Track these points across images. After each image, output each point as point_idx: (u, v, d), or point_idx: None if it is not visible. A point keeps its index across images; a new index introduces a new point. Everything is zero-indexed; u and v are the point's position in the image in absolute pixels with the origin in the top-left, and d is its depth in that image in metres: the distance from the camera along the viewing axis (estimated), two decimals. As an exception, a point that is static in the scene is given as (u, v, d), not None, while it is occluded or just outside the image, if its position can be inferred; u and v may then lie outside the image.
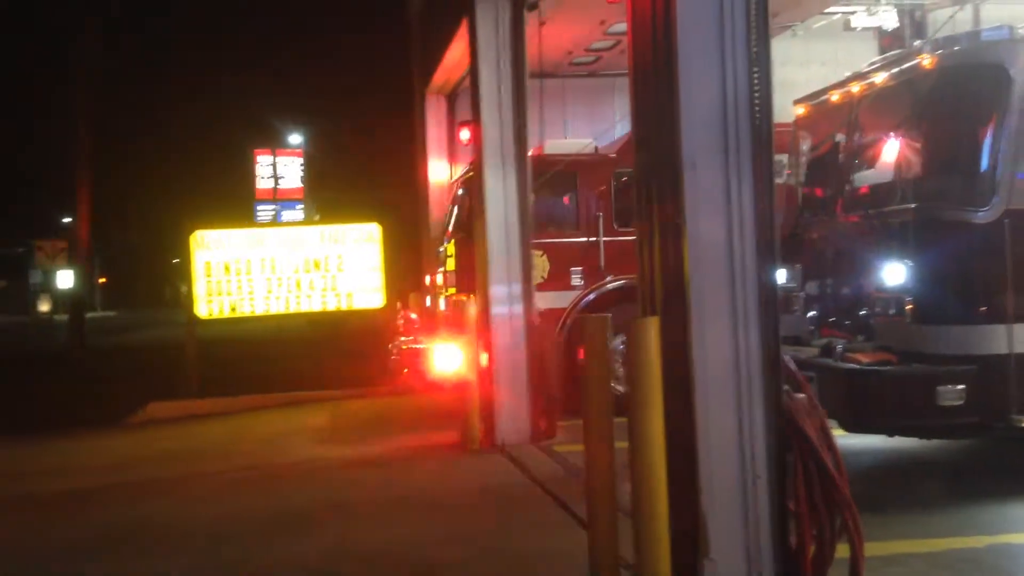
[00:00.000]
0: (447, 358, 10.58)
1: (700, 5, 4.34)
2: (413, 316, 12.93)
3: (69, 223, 32.52)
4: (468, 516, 6.40)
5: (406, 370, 12.43)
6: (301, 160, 40.43)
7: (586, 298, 10.04)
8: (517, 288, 8.60)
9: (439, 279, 12.22)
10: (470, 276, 10.46)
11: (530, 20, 8.86)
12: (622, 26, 9.10)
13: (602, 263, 10.22)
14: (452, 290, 11.25)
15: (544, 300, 9.50)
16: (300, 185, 39.68)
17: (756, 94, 4.34)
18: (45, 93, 30.40)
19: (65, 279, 39.94)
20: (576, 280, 10.22)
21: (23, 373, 19.04)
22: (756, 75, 4.34)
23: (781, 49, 7.82)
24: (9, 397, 14.80)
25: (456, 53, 11.05)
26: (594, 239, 10.22)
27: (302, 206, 38.76)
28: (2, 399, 14.66)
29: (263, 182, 39.71)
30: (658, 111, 4.55)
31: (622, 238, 9.95)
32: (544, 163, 10.39)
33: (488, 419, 8.45)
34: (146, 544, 6.16)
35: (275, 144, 39.89)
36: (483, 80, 8.66)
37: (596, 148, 10.89)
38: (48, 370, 19.21)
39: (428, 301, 13.27)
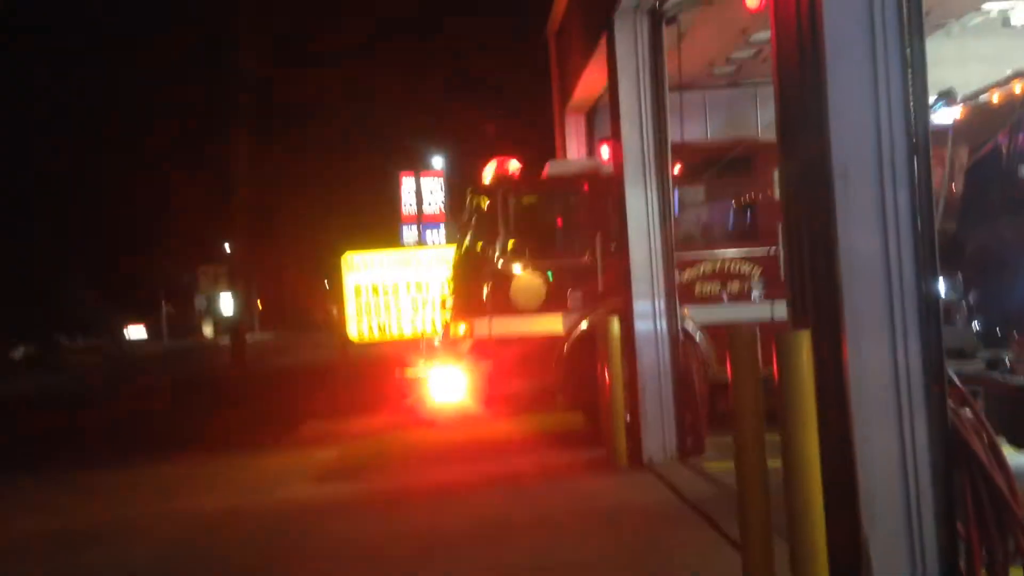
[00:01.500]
0: (444, 385, 10.30)
1: (849, 5, 4.21)
2: (436, 343, 12.31)
3: (229, 250, 34.25)
4: (619, 535, 6.35)
5: (408, 399, 11.95)
6: (442, 181, 41.26)
7: (585, 322, 9.69)
8: (661, 304, 8.50)
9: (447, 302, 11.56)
10: (468, 301, 10.13)
11: (668, 33, 8.79)
12: (765, 34, 8.92)
13: (600, 286, 9.81)
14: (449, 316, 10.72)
15: (538, 324, 9.43)
16: (442, 205, 40.49)
17: (911, 97, 4.17)
18: (204, 123, 32.26)
19: (226, 304, 41.97)
20: (574, 304, 9.85)
21: (191, 395, 20.13)
22: (911, 77, 4.17)
23: (934, 49, 7.47)
24: (179, 418, 15.69)
25: (594, 70, 11.05)
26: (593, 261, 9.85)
27: (444, 226, 39.53)
28: (173, 420, 15.56)
29: (408, 205, 40.72)
30: (806, 119, 4.43)
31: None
32: (546, 184, 10.25)
33: (634, 436, 8.37)
34: (301, 561, 6.36)
35: (419, 166, 40.88)
36: (623, 95, 8.63)
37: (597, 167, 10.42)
38: (213, 392, 20.22)
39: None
